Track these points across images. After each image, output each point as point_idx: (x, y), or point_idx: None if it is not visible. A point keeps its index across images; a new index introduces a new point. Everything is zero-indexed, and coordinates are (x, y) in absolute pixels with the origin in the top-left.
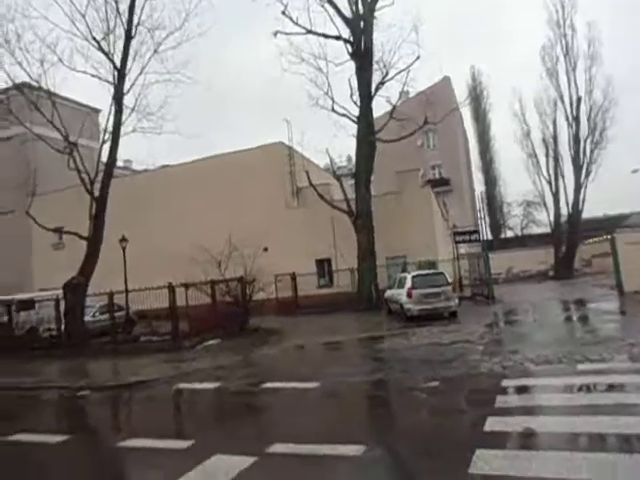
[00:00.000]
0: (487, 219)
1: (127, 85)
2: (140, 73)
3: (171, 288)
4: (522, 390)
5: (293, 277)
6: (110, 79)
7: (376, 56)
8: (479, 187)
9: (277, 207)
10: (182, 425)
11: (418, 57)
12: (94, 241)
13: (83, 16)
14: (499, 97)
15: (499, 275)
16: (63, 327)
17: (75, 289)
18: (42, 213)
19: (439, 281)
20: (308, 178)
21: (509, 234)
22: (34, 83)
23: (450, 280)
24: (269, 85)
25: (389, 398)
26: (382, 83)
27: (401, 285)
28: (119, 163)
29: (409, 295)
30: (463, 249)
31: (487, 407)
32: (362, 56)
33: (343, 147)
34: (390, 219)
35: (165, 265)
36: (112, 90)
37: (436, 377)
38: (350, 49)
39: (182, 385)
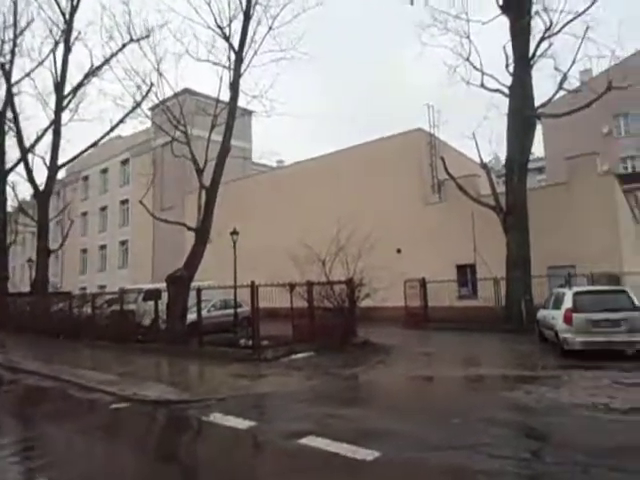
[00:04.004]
0: None
1: (243, 68)
2: (255, 54)
3: (253, 287)
4: None
5: (422, 284)
6: (226, 65)
7: (537, 7)
8: None
9: (413, 203)
10: None
11: None
12: (201, 233)
13: (209, 4)
14: None
15: None
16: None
17: (177, 282)
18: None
19: (619, 303)
20: (444, 166)
21: None
22: (158, 74)
23: (638, 303)
24: (406, 66)
25: None
26: (544, 38)
27: (557, 305)
28: (270, 163)
29: (567, 320)
30: None
31: None
32: (517, 6)
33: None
34: (554, 217)
35: (276, 263)
36: (228, 76)
37: None
38: (501, 2)
39: (213, 416)
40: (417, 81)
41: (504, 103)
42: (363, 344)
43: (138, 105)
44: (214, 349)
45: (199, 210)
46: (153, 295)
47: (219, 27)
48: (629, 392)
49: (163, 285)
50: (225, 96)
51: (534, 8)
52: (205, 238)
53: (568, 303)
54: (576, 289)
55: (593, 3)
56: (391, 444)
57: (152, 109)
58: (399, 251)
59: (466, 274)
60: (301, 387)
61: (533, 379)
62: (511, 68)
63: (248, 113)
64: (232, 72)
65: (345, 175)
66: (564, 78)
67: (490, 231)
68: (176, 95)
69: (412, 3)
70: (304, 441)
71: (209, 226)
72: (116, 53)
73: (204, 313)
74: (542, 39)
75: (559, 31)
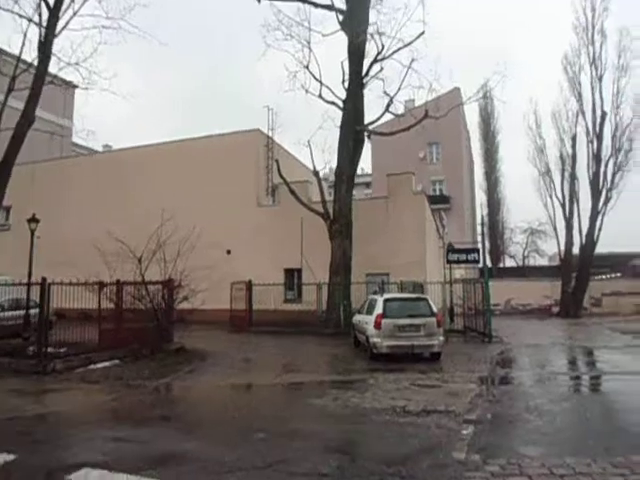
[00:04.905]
0: (487, 244)
1: (57, 29)
2: (74, 14)
3: (44, 285)
4: None
5: (248, 287)
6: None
7: (372, 30)
8: (481, 210)
9: (246, 203)
10: None
11: (422, 33)
12: None
13: None
14: (512, 115)
15: (496, 306)
16: None
17: None
18: None
19: (420, 309)
20: (278, 169)
21: (509, 263)
22: None
23: (435, 309)
24: (254, 65)
25: None
26: (376, 61)
27: (370, 310)
28: (97, 147)
29: (377, 325)
30: (458, 273)
31: None
32: (354, 25)
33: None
34: (375, 228)
35: (94, 259)
36: (36, 34)
37: None
38: (341, 18)
39: None
40: (262, 82)
41: (339, 116)
42: (177, 351)
43: None
44: None
45: None
46: None
47: None
48: (423, 393)
49: None
50: (28, 56)
51: (370, 29)
52: None
53: (379, 309)
54: (386, 296)
55: (418, 37)
56: (182, 470)
57: None
58: (229, 252)
59: (293, 278)
60: (92, 404)
61: (342, 384)
62: (347, 84)
63: (70, 85)
64: (43, 30)
65: (175, 168)
66: (390, 102)
67: (317, 237)
68: None
69: (259, 1)
70: (73, 477)
71: None
72: None
73: None
74: (375, 61)
75: (389, 56)
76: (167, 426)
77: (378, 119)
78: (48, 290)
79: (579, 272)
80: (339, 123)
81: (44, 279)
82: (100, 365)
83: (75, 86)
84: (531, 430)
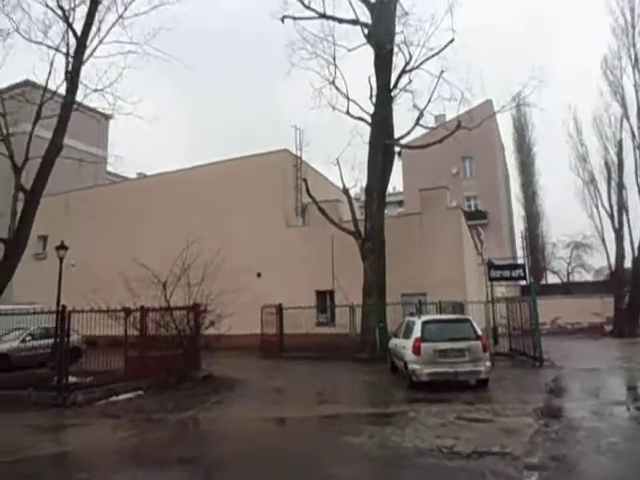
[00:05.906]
0: (528, 260)
1: (84, 57)
2: (100, 42)
3: (64, 313)
4: None
5: (279, 310)
6: (64, 51)
7: (399, 39)
8: (520, 225)
9: (275, 225)
10: None
11: (452, 40)
12: (15, 245)
13: None
14: (548, 122)
15: (542, 326)
16: None
17: None
18: None
19: (463, 332)
20: (306, 188)
21: (551, 279)
22: None
23: (480, 331)
24: (278, 85)
25: None
26: (405, 72)
27: (408, 334)
28: (130, 174)
29: (416, 350)
30: (499, 291)
31: None
32: (381, 37)
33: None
34: (409, 246)
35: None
36: (62, 63)
37: None
38: (366, 31)
39: None
40: (288, 100)
41: (368, 132)
42: (205, 379)
43: None
44: (4, 392)
45: (12, 217)
46: None
47: (61, 8)
48: (472, 429)
49: None
50: (53, 84)
51: (396, 39)
52: (19, 252)
53: (417, 332)
54: (424, 318)
55: (447, 44)
56: None
57: None
58: (259, 275)
59: (325, 300)
60: (109, 442)
61: (379, 417)
62: (374, 99)
63: (104, 117)
64: (71, 60)
65: (203, 192)
66: (421, 115)
67: (349, 257)
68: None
69: (283, 21)
70: None
71: (24, 237)
72: None
73: (16, 344)
74: (403, 71)
75: (418, 66)
76: (184, 470)
77: (408, 133)
78: (68, 318)
79: (633, 287)
80: (368, 139)
81: (64, 306)
82: (122, 397)
83: (109, 116)
84: (607, 477)
